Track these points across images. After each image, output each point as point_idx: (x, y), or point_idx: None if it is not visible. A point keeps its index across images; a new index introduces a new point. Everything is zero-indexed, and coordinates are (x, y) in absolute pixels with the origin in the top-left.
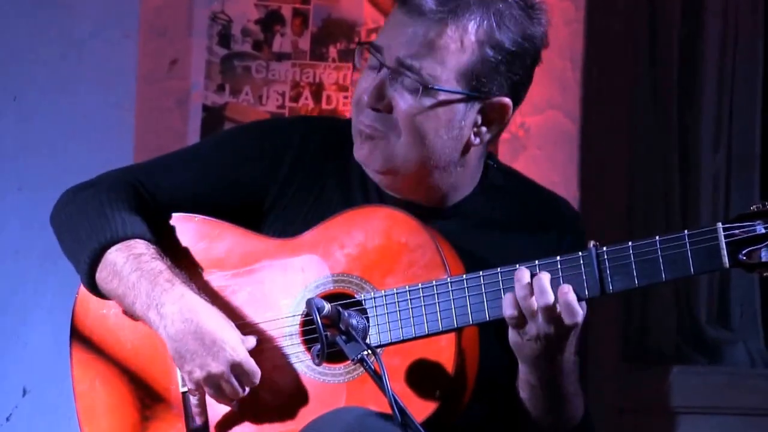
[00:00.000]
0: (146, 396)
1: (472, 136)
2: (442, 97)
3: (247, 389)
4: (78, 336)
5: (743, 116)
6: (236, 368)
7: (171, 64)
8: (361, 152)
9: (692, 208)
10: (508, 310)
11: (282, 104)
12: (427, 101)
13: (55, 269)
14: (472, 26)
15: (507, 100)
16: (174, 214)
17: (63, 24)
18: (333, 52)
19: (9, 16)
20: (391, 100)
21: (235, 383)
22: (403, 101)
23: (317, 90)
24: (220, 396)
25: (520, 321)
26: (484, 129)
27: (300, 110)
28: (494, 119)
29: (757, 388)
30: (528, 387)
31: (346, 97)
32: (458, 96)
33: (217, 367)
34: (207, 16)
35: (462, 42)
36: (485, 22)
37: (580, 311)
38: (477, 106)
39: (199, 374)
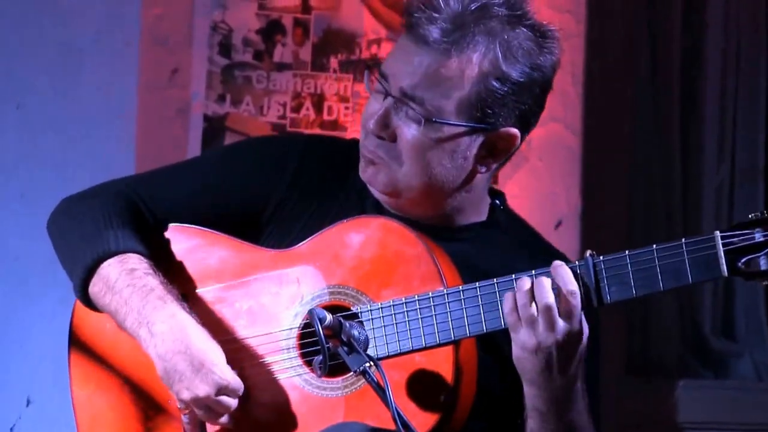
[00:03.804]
0: (148, 408)
1: (479, 166)
2: (446, 129)
3: (236, 402)
4: (76, 347)
5: (747, 129)
6: (223, 390)
7: (172, 74)
8: (364, 174)
9: (694, 221)
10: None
11: (283, 115)
12: (431, 133)
13: (57, 278)
14: (476, 57)
15: (514, 131)
16: (170, 225)
17: (64, 32)
18: (334, 62)
19: (11, 23)
20: (395, 129)
21: (223, 401)
22: (407, 132)
23: (318, 101)
24: (211, 416)
25: (515, 325)
26: (490, 159)
27: (301, 121)
28: (501, 149)
29: (763, 402)
30: (536, 414)
31: (347, 108)
32: (462, 129)
33: (204, 390)
34: (208, 26)
35: (466, 74)
36: (491, 53)
37: (580, 312)
38: (482, 137)
39: (186, 395)
